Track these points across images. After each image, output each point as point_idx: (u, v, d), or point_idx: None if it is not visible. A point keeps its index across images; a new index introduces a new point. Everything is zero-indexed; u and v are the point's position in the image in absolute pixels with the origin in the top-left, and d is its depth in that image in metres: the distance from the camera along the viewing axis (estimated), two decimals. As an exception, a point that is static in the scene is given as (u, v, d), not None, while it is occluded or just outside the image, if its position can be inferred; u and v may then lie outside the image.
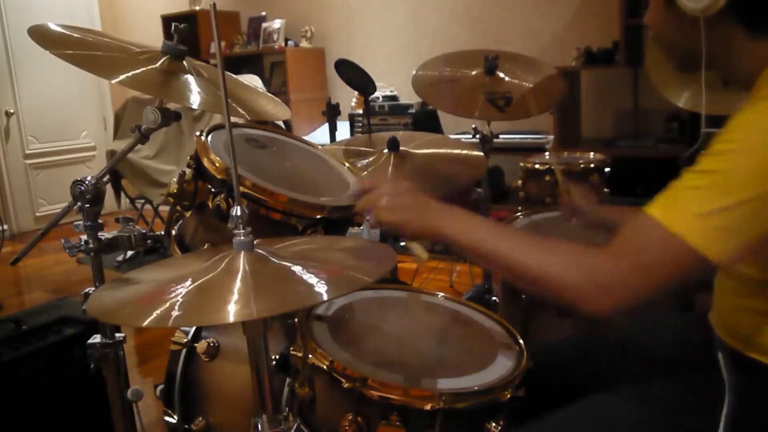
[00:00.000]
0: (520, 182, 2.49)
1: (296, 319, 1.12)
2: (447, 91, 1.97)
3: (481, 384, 0.98)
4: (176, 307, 0.72)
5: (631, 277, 0.80)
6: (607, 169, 2.36)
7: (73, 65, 1.14)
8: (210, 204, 1.18)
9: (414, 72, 2.02)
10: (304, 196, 1.20)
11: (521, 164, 2.49)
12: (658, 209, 0.80)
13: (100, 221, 1.22)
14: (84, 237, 1.22)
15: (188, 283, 0.79)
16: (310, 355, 1.01)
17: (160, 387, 1.36)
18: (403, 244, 1.07)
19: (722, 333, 0.97)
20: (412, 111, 4.00)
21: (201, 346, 1.31)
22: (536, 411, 0.96)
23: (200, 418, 1.31)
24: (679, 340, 1.10)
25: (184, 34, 1.27)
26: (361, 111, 4.04)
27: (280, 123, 4.17)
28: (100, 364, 1.27)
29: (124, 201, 4.58)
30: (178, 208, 1.26)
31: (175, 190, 1.23)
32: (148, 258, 4.08)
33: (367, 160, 1.84)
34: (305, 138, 1.54)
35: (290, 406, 1.08)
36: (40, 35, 1.18)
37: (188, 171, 1.23)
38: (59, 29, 1.24)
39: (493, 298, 2.17)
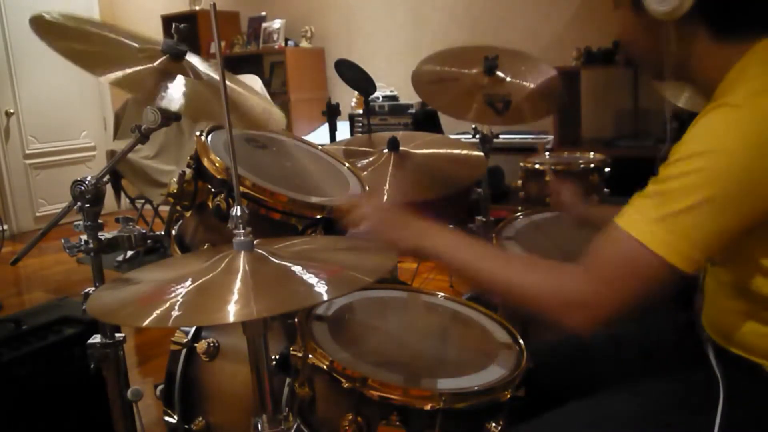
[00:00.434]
0: (520, 182, 2.49)
1: (296, 319, 1.12)
2: (446, 91, 1.97)
3: (481, 384, 0.98)
4: (176, 307, 0.72)
5: (603, 291, 0.82)
6: (607, 169, 2.36)
7: (68, 61, 1.12)
8: (210, 204, 1.18)
9: (414, 69, 2.01)
10: (304, 196, 1.20)
11: (521, 164, 2.50)
12: (622, 218, 0.83)
13: (100, 221, 1.22)
14: (84, 237, 1.22)
15: (188, 283, 0.79)
16: (310, 355, 1.01)
17: (160, 387, 1.36)
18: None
19: (711, 331, 0.98)
20: (412, 111, 4.00)
21: (201, 346, 1.31)
22: (536, 411, 0.96)
23: (200, 418, 1.31)
24: (677, 340, 1.10)
25: (184, 34, 1.27)
26: (361, 111, 4.04)
27: (280, 123, 4.17)
28: (100, 364, 1.27)
29: (124, 201, 4.58)
30: (178, 208, 1.26)
31: (175, 190, 1.23)
32: (148, 258, 4.08)
33: (367, 160, 1.84)
34: (305, 138, 1.54)
35: (290, 406, 1.08)
36: (42, 25, 1.17)
37: (188, 171, 1.23)
38: (61, 19, 1.23)
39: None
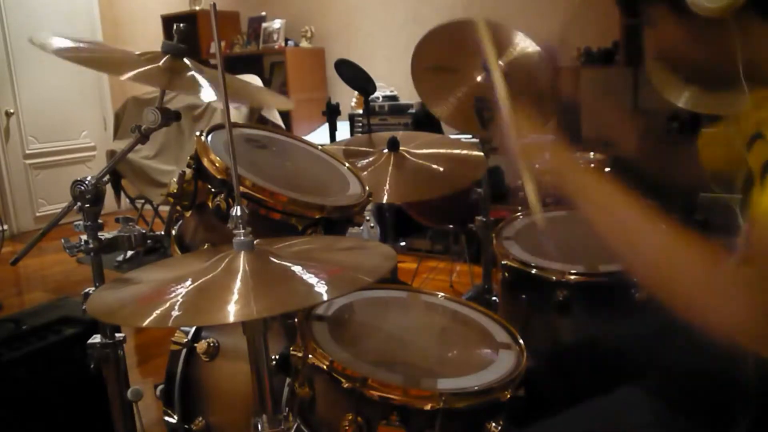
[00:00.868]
0: (520, 182, 2.49)
1: (296, 319, 1.12)
2: (444, 90, 1.95)
3: (481, 384, 0.98)
4: (176, 307, 0.72)
5: None
6: (607, 169, 2.36)
7: (80, 65, 1.14)
8: (210, 204, 1.18)
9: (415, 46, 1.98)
10: (304, 196, 1.20)
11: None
12: None
13: (100, 221, 1.22)
14: (84, 237, 1.21)
15: (188, 283, 0.79)
16: (310, 355, 1.01)
17: (160, 387, 1.36)
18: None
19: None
20: (412, 111, 4.00)
21: (201, 346, 1.31)
22: (536, 411, 0.96)
23: (200, 418, 1.31)
24: (680, 341, 1.09)
25: (184, 34, 1.27)
26: (361, 111, 4.04)
27: (280, 123, 4.17)
28: (100, 364, 1.27)
29: (124, 201, 4.58)
30: (178, 208, 1.26)
31: (175, 190, 1.23)
32: (148, 258, 4.07)
33: (367, 160, 1.84)
34: (305, 138, 1.54)
35: (290, 406, 1.08)
36: (44, 44, 1.18)
37: (188, 171, 1.23)
38: (59, 44, 1.24)
39: (493, 298, 2.17)
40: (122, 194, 4.38)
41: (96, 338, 1.26)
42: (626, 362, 1.09)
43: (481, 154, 1.92)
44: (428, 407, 0.92)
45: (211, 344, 1.31)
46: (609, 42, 3.50)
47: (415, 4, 4.36)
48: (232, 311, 0.72)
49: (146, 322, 0.70)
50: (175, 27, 1.27)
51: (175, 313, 0.71)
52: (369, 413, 0.95)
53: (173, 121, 1.24)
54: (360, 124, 4.11)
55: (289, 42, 4.77)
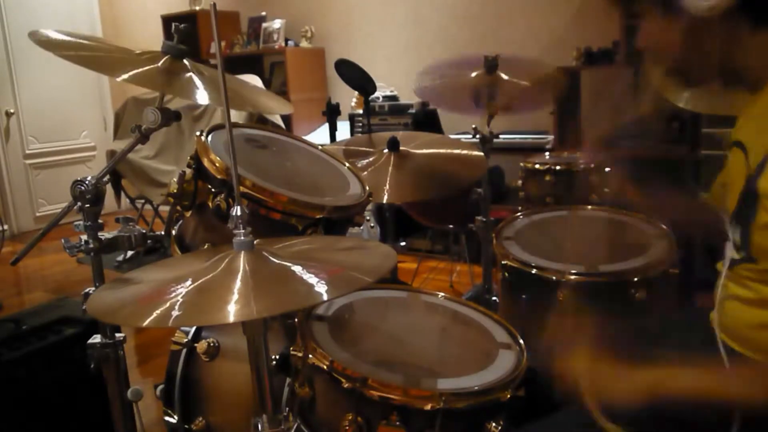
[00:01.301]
0: (520, 182, 2.49)
1: (296, 319, 1.12)
2: (447, 92, 1.97)
3: (481, 384, 0.98)
4: (176, 307, 0.72)
5: None
6: (607, 169, 2.35)
7: (78, 65, 1.14)
8: (210, 204, 1.18)
9: (416, 79, 2.01)
10: (304, 196, 1.20)
11: (521, 164, 2.49)
12: None
13: (100, 221, 1.22)
14: (84, 237, 1.22)
15: (188, 283, 0.79)
16: (310, 355, 1.01)
17: (160, 387, 1.36)
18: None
19: (724, 335, 0.96)
20: (412, 111, 4.00)
21: (201, 346, 1.31)
22: (536, 411, 0.96)
23: (200, 418, 1.31)
24: (680, 340, 1.10)
25: (184, 34, 1.27)
26: (361, 111, 4.04)
27: (280, 123, 4.17)
28: (100, 364, 1.27)
29: (124, 201, 4.58)
30: (178, 208, 1.26)
31: (175, 190, 1.23)
32: (148, 258, 4.07)
33: (367, 160, 1.84)
34: (305, 138, 1.54)
35: (290, 406, 1.08)
36: (43, 40, 1.18)
37: (188, 171, 1.23)
38: (60, 37, 1.24)
39: (493, 298, 2.17)
40: (122, 194, 4.38)
41: (96, 338, 1.26)
42: (626, 362, 1.09)
43: (481, 154, 1.92)
44: (428, 407, 0.92)
45: (212, 344, 1.31)
46: (609, 42, 3.50)
47: (415, 4, 4.36)
48: (232, 311, 0.72)
49: (146, 322, 0.70)
50: (174, 27, 1.26)
51: (175, 313, 0.71)
52: (369, 413, 0.95)
53: (173, 121, 1.24)
54: (360, 124, 4.11)
55: (289, 42, 4.77)
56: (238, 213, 0.85)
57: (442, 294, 1.31)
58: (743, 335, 0.93)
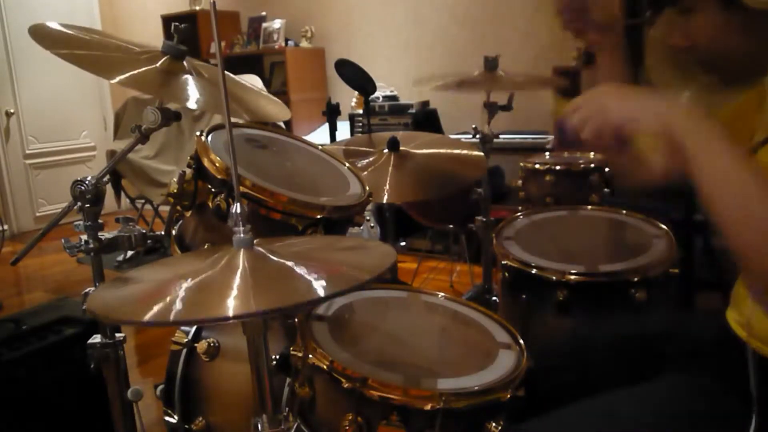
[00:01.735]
0: (520, 182, 2.50)
1: (296, 319, 1.12)
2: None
3: (481, 384, 0.98)
4: (176, 303, 0.72)
5: None
6: (607, 169, 2.36)
7: (73, 65, 1.14)
8: (210, 204, 1.18)
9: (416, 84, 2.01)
10: (304, 196, 1.20)
11: (521, 164, 2.50)
12: None
13: (100, 221, 1.22)
14: (84, 237, 1.21)
15: (188, 280, 0.79)
16: (310, 355, 1.01)
17: (160, 387, 1.36)
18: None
19: (745, 334, 0.94)
20: (412, 111, 4.00)
21: (201, 346, 1.31)
22: (536, 411, 0.96)
23: (200, 418, 1.31)
24: (681, 339, 1.09)
25: (184, 34, 1.27)
26: (361, 111, 4.04)
27: (281, 123, 4.17)
28: (100, 364, 1.27)
29: (124, 201, 4.58)
30: (178, 208, 1.26)
31: (175, 190, 1.23)
32: (148, 258, 4.08)
33: (367, 160, 1.84)
34: (305, 138, 1.54)
35: (290, 406, 1.08)
36: (41, 34, 1.18)
37: (188, 171, 1.23)
38: (60, 28, 1.24)
39: (493, 298, 2.17)
40: (122, 194, 4.38)
41: (96, 338, 1.26)
42: (626, 362, 1.09)
43: (481, 154, 1.92)
44: (428, 407, 0.92)
45: (212, 344, 1.31)
46: (609, 42, 3.50)
47: (415, 4, 4.36)
48: (231, 306, 0.72)
49: (147, 317, 0.70)
50: (174, 27, 1.26)
51: (175, 309, 0.71)
52: (369, 413, 0.95)
53: (173, 121, 1.23)
54: (360, 124, 4.11)
55: (289, 42, 4.77)
56: (238, 210, 0.85)
57: (442, 294, 1.31)
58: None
